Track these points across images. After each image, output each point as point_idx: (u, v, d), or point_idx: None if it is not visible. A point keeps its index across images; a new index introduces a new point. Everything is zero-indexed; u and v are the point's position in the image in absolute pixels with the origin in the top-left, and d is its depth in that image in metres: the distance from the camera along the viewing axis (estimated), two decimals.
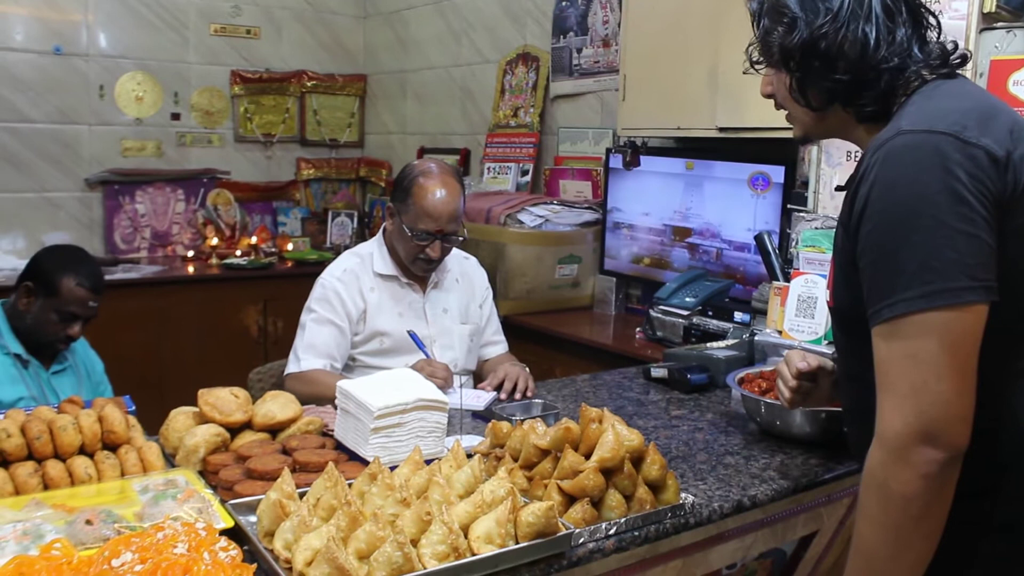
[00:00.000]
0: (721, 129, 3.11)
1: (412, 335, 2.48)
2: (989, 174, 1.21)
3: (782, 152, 3.05)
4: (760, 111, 2.93)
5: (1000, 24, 2.18)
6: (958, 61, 1.40)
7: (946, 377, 1.19)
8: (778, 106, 1.52)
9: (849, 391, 1.53)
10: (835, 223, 2.39)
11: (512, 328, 3.60)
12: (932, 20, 1.41)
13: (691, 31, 3.24)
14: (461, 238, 2.59)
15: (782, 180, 3.16)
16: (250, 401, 1.82)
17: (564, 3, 4.40)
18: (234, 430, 1.76)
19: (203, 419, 1.75)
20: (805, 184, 2.69)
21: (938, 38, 1.41)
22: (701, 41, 3.18)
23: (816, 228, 2.51)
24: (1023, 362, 1.31)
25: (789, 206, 2.75)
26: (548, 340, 3.62)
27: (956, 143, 1.22)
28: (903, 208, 1.22)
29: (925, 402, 1.19)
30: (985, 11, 2.18)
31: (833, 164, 2.56)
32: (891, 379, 1.23)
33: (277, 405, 1.82)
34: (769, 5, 1.43)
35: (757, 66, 1.51)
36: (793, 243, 2.60)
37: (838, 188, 1.54)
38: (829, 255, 2.41)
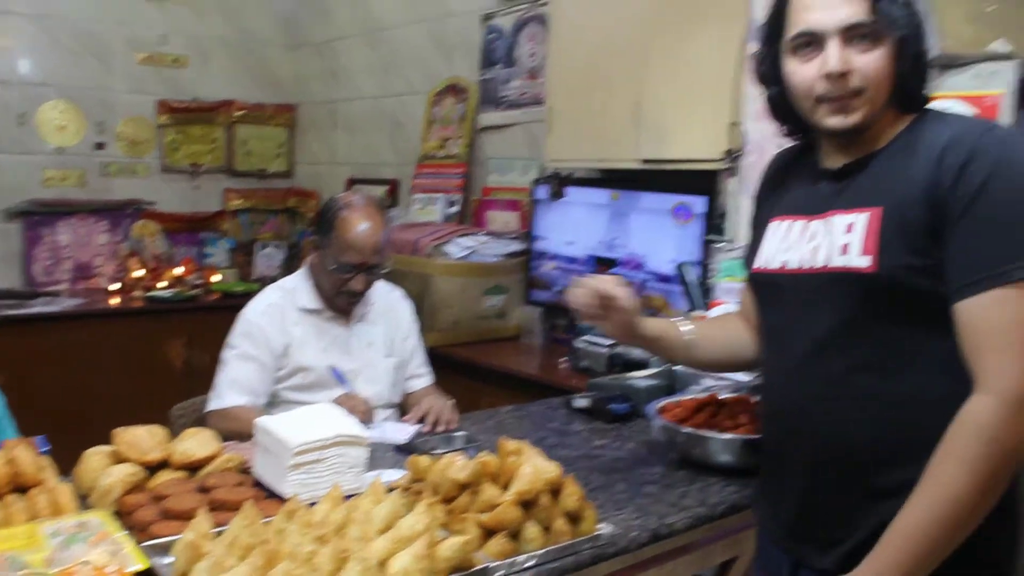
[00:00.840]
0: (644, 161, 3.18)
1: (333, 370, 2.48)
2: None
3: (704, 183, 3.12)
4: (682, 143, 3.02)
5: None
6: None
7: None
8: (852, 90, 1.45)
9: (815, 387, 1.52)
10: None
11: (438, 359, 3.60)
12: None
13: (615, 65, 3.31)
14: (385, 270, 2.59)
15: (704, 211, 3.22)
16: (168, 439, 1.80)
17: (492, 35, 4.45)
18: (151, 469, 1.74)
19: (119, 458, 1.72)
20: (723, 215, 2.75)
21: None
22: (624, 75, 3.24)
23: (735, 258, 2.57)
24: None
25: (708, 237, 2.81)
26: (474, 371, 3.63)
27: None
28: None
29: None
30: None
31: (751, 195, 2.62)
32: (1016, 339, 1.30)
33: (196, 443, 1.80)
34: None
35: (868, 37, 1.44)
36: (712, 274, 2.67)
37: (843, 168, 1.54)
38: None
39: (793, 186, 1.63)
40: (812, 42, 1.45)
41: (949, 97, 2.16)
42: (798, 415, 1.54)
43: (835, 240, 1.46)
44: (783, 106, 1.58)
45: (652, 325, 1.84)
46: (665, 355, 2.00)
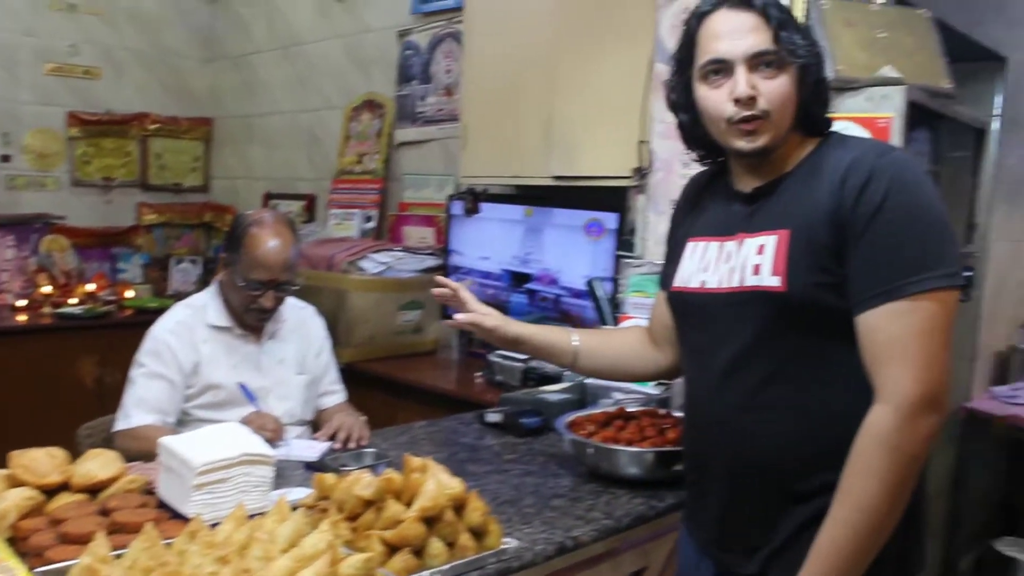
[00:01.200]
0: (556, 177, 3.23)
1: (242, 387, 2.46)
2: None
3: (614, 200, 3.17)
4: (592, 160, 3.07)
5: None
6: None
7: (948, 348, 1.41)
8: (758, 113, 1.52)
9: (731, 398, 1.58)
10: (660, 269, 2.52)
11: (355, 375, 3.59)
12: None
13: (527, 83, 3.36)
14: (295, 287, 2.59)
15: (616, 227, 3.28)
16: (68, 461, 1.76)
17: (408, 52, 4.48)
18: (50, 492, 1.70)
19: (15, 482, 1.67)
20: (633, 231, 2.80)
21: None
22: (536, 92, 3.29)
23: (643, 274, 2.62)
24: None
25: (618, 253, 2.86)
26: (391, 387, 3.63)
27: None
28: (923, 206, 1.43)
29: (937, 371, 1.39)
30: None
31: (659, 212, 2.67)
32: (909, 351, 1.39)
33: (98, 464, 1.77)
34: (789, 19, 1.55)
35: (772, 64, 1.52)
36: (622, 289, 2.71)
37: (754, 192, 1.61)
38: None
39: (708, 208, 1.71)
40: (721, 69, 1.54)
41: (845, 118, 2.24)
42: (719, 426, 1.61)
43: (748, 261, 1.54)
44: (695, 132, 1.67)
45: (539, 334, 2.02)
46: (555, 362, 2.10)
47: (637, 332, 2.04)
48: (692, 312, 1.69)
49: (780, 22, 1.51)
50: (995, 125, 3.46)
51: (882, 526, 1.40)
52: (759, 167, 1.59)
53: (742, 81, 1.50)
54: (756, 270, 1.52)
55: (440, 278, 2.13)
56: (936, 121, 2.51)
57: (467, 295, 2.05)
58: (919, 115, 2.35)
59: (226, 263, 2.55)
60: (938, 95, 2.41)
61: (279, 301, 2.54)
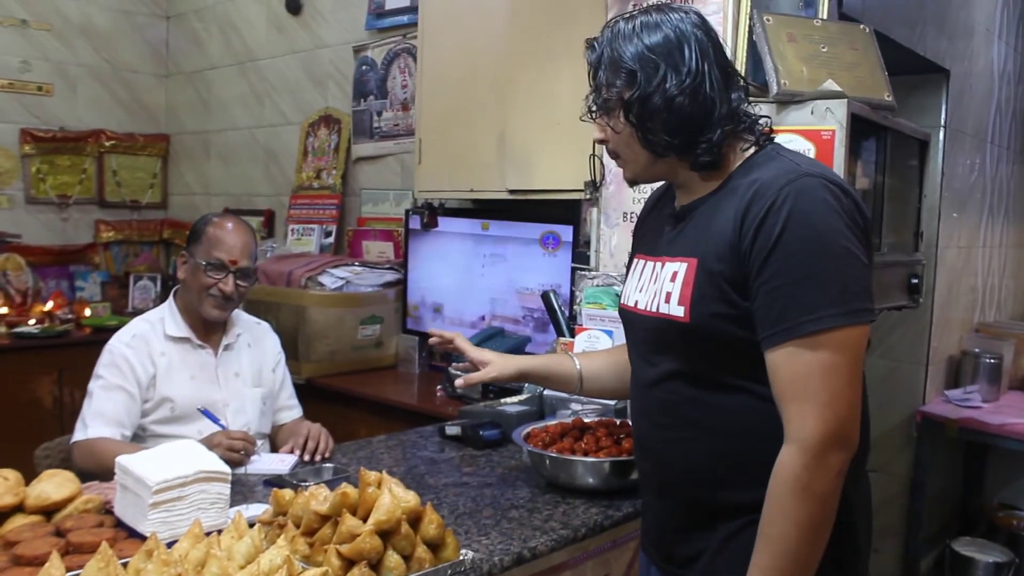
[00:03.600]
0: (511, 191, 3.26)
1: (205, 412, 2.46)
2: (861, 221, 1.44)
3: (569, 212, 3.22)
4: (546, 174, 3.11)
5: (749, 99, 2.39)
6: (769, 130, 1.61)
7: (854, 384, 1.39)
8: (611, 152, 1.64)
9: (652, 415, 1.63)
10: (614, 281, 2.55)
11: (315, 391, 3.60)
12: (745, 83, 1.62)
13: (480, 98, 3.39)
14: (253, 280, 2.65)
15: (571, 239, 3.32)
16: (22, 482, 1.75)
17: (364, 67, 4.49)
18: (4, 514, 1.69)
19: None
20: (587, 243, 2.83)
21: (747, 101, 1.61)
22: (489, 108, 3.33)
23: (597, 286, 2.65)
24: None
25: (573, 265, 2.89)
26: (352, 401, 3.64)
27: (843, 192, 1.43)
28: (822, 238, 1.39)
29: (842, 409, 1.37)
30: None
31: (612, 225, 2.71)
32: (811, 389, 1.37)
33: (52, 485, 1.76)
34: (607, 58, 1.55)
35: (592, 115, 1.61)
36: (578, 300, 2.74)
37: (681, 210, 1.64)
38: (610, 311, 2.57)
39: (654, 225, 1.73)
40: None
41: (790, 131, 2.29)
42: (648, 440, 1.66)
43: (663, 287, 1.57)
44: None
45: (541, 365, 2.10)
46: (562, 390, 2.15)
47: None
48: (628, 330, 1.74)
49: (598, 77, 1.58)
50: (939, 135, 3.55)
51: (804, 565, 1.41)
52: (685, 185, 1.61)
53: (599, 125, 1.61)
54: (667, 298, 1.55)
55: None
56: (882, 132, 2.56)
57: (463, 344, 2.12)
58: (863, 127, 2.40)
59: (186, 259, 2.60)
60: (880, 107, 2.47)
61: (238, 291, 2.57)
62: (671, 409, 1.58)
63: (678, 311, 1.52)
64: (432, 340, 2.17)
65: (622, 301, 1.74)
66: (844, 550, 1.51)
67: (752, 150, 1.56)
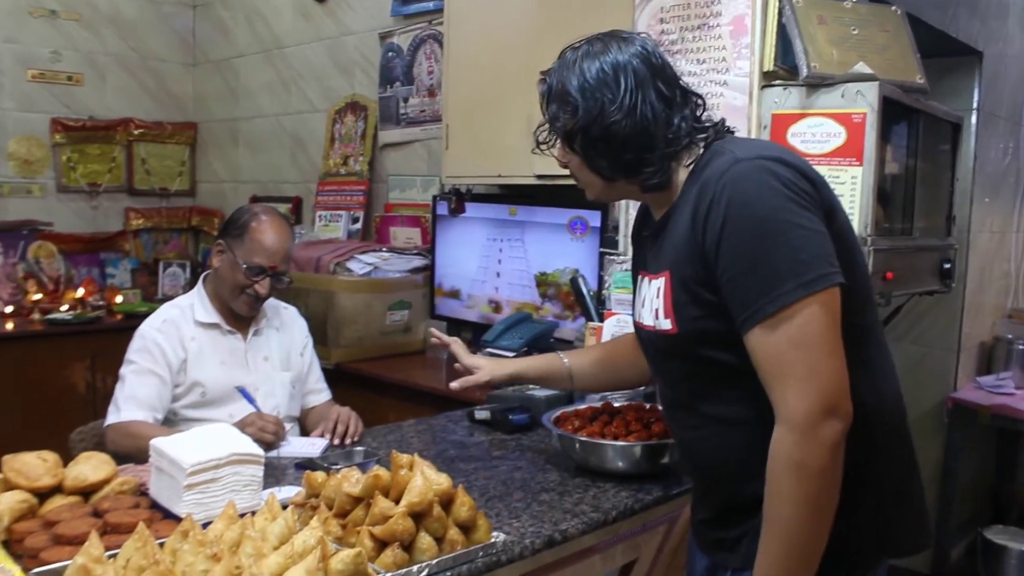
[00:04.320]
0: (539, 176, 3.26)
1: (242, 391, 2.48)
2: (808, 188, 1.43)
3: None
4: None
5: (778, 82, 2.38)
6: (727, 129, 1.63)
7: (831, 353, 1.38)
8: (572, 176, 1.70)
9: (678, 418, 1.69)
10: None
11: (344, 376, 3.62)
12: (700, 100, 1.64)
13: (507, 83, 3.38)
14: (289, 281, 2.66)
15: (599, 224, 3.32)
16: (60, 464, 1.78)
17: (390, 54, 4.49)
18: (43, 495, 1.72)
19: (8, 486, 1.70)
20: (617, 228, 2.83)
21: (702, 113, 1.63)
22: (517, 92, 3.31)
23: (626, 270, 2.65)
24: (860, 351, 1.48)
25: (602, 250, 2.89)
26: (380, 386, 3.65)
27: (782, 164, 1.44)
28: (762, 219, 1.40)
29: (823, 379, 1.36)
30: (765, 70, 2.37)
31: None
32: (786, 367, 1.38)
33: (89, 466, 1.79)
34: (555, 91, 1.62)
35: (542, 146, 1.70)
36: (606, 285, 2.74)
37: (646, 235, 1.73)
38: None
39: (646, 239, 1.76)
40: None
41: (820, 115, 2.28)
42: (680, 439, 1.73)
43: (652, 303, 1.62)
44: None
45: (531, 366, 2.21)
46: (555, 387, 2.32)
47: (627, 340, 2.11)
48: (643, 345, 1.79)
49: (549, 109, 1.64)
50: (972, 119, 3.51)
51: (808, 543, 1.41)
52: (654, 199, 1.66)
53: (557, 152, 1.69)
54: (657, 313, 1.60)
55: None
56: (913, 116, 2.54)
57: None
58: (895, 110, 2.38)
59: (223, 250, 2.61)
60: (912, 90, 2.44)
61: (272, 291, 2.61)
62: (693, 408, 1.61)
63: (666, 324, 1.57)
64: (433, 341, 2.35)
65: (634, 319, 1.78)
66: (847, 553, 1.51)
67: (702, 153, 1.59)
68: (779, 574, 1.42)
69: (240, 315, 2.64)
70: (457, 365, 2.25)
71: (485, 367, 2.20)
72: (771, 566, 1.43)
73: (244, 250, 2.56)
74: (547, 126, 1.67)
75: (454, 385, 2.19)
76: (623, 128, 1.54)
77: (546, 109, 1.65)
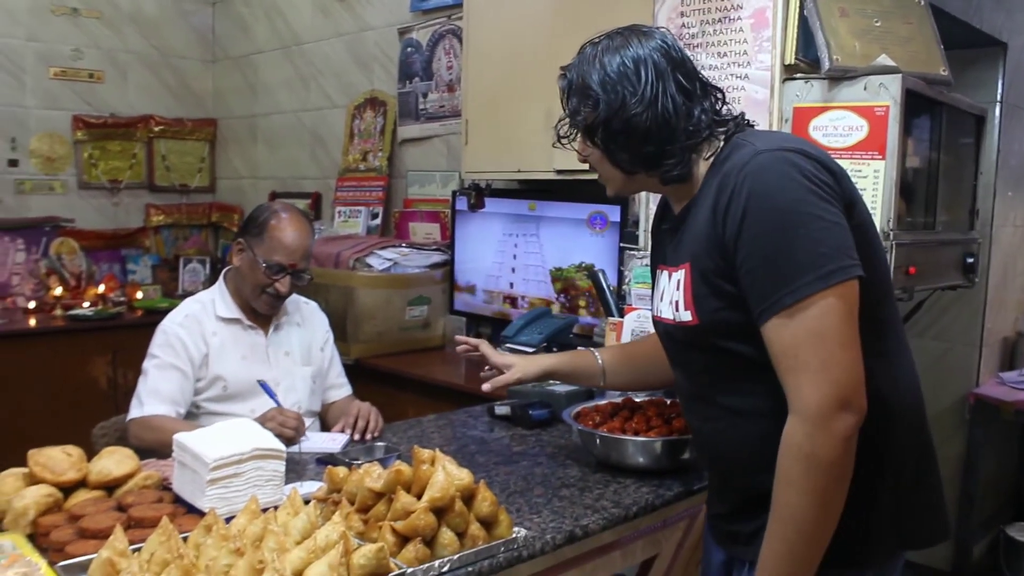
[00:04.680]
0: (558, 171, 3.25)
1: (263, 385, 2.49)
2: (830, 180, 1.44)
3: None
4: None
5: (799, 75, 2.36)
6: (747, 122, 1.64)
7: (847, 345, 1.38)
8: (593, 169, 1.71)
9: (696, 410, 1.69)
10: None
11: (364, 371, 3.63)
12: (720, 94, 1.65)
13: (527, 78, 3.38)
14: (309, 278, 2.66)
15: (619, 219, 3.31)
16: (84, 459, 1.79)
17: (410, 49, 4.50)
18: (68, 489, 1.73)
19: (33, 480, 1.71)
20: (636, 223, 2.82)
21: (722, 106, 1.64)
22: (536, 87, 3.30)
23: (646, 265, 2.64)
24: (879, 344, 1.49)
25: (622, 244, 2.88)
26: (400, 382, 3.66)
27: (803, 156, 1.44)
28: (782, 211, 1.40)
29: (836, 372, 1.36)
30: (786, 63, 2.36)
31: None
32: (801, 359, 1.38)
33: (113, 461, 1.80)
34: (576, 85, 1.62)
35: (563, 140, 1.71)
36: (626, 280, 2.73)
37: (664, 229, 1.73)
38: None
39: (665, 233, 1.77)
40: None
41: (842, 108, 2.26)
42: (698, 434, 1.73)
43: (673, 295, 1.62)
44: None
45: (564, 363, 2.17)
46: (586, 384, 2.26)
47: (655, 339, 2.07)
48: (660, 339, 1.79)
49: (570, 103, 1.65)
50: (996, 111, 3.48)
51: (814, 534, 1.41)
52: (674, 192, 1.67)
53: (577, 145, 1.70)
54: (676, 305, 1.60)
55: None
56: (937, 108, 2.52)
57: (487, 349, 2.21)
58: (918, 103, 2.36)
59: (243, 248, 2.62)
60: (935, 83, 2.42)
61: (292, 289, 2.62)
62: (710, 400, 1.62)
63: (686, 316, 1.57)
64: (460, 348, 2.26)
65: (652, 313, 1.78)
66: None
67: (722, 146, 1.60)
68: (783, 562, 1.43)
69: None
70: (485, 387, 2.17)
71: (516, 365, 2.16)
72: (776, 554, 1.44)
73: (264, 248, 2.57)
74: (568, 120, 1.67)
75: (485, 387, 2.14)
76: (644, 121, 1.55)
77: (566, 104, 1.66)
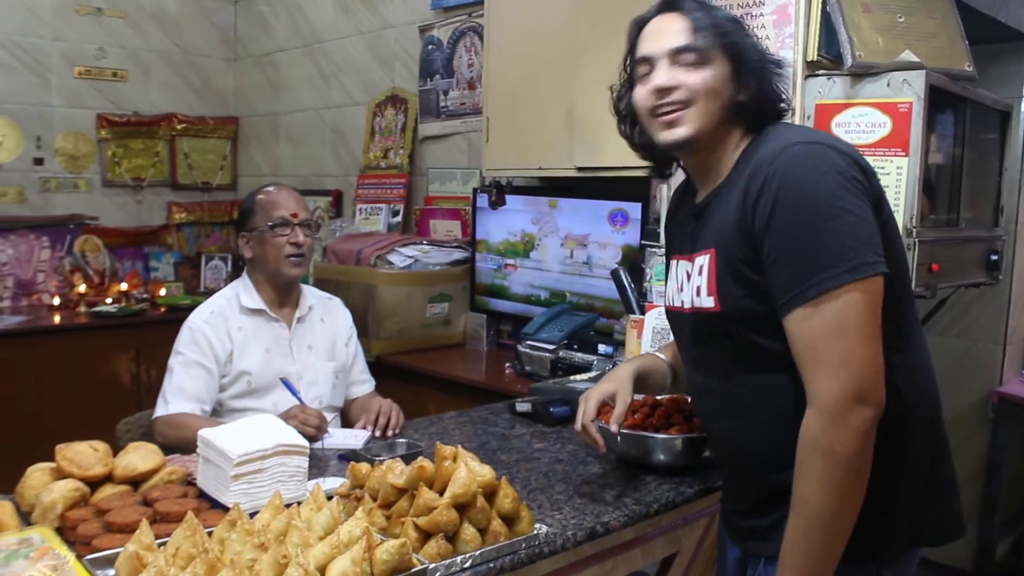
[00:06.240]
0: (579, 169, 3.24)
1: (286, 383, 2.50)
2: (860, 176, 1.44)
3: (638, 189, 3.19)
4: (615, 151, 3.07)
5: (822, 72, 2.35)
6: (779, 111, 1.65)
7: (868, 340, 1.38)
8: (674, 104, 1.58)
9: (710, 406, 1.68)
10: None
11: (385, 368, 3.64)
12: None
13: (548, 74, 3.38)
14: (318, 224, 2.72)
15: (639, 216, 3.30)
16: (110, 454, 1.81)
17: (430, 47, 4.50)
18: (94, 484, 1.75)
19: (61, 474, 1.73)
20: (658, 220, 2.81)
21: None
22: (558, 84, 3.31)
23: None
24: (897, 341, 1.49)
25: (643, 242, 2.87)
26: (421, 378, 3.67)
27: (836, 151, 1.45)
28: (814, 202, 1.41)
29: (855, 366, 1.37)
30: (809, 59, 2.35)
31: None
32: (822, 351, 1.39)
33: (138, 456, 1.82)
34: (713, 13, 1.61)
35: (695, 58, 1.57)
36: (647, 278, 2.73)
37: (680, 219, 1.73)
38: None
39: (681, 222, 1.76)
40: (649, 67, 1.60)
41: (865, 104, 2.25)
42: (712, 429, 1.73)
43: (695, 282, 1.61)
44: (641, 140, 1.72)
45: (644, 373, 1.98)
46: (662, 385, 2.05)
47: None
48: (675, 330, 1.78)
49: (705, 23, 1.57)
50: (1021, 106, 3.44)
51: (833, 527, 1.42)
52: (703, 174, 1.65)
53: (661, 72, 1.58)
54: (698, 292, 1.59)
55: (588, 434, 1.92)
56: (961, 104, 2.50)
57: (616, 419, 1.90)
58: (942, 99, 2.34)
59: (247, 238, 2.67)
60: (960, 78, 2.41)
61: (307, 239, 2.65)
62: (725, 397, 1.61)
63: (709, 302, 1.56)
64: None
65: (667, 303, 1.77)
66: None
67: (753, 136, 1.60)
68: (804, 556, 1.43)
69: (285, 296, 2.68)
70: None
71: (617, 393, 1.90)
72: (797, 547, 1.44)
73: (261, 217, 2.63)
74: (705, 31, 1.57)
75: (614, 429, 1.87)
76: (766, 60, 1.61)
77: (695, 19, 1.58)
